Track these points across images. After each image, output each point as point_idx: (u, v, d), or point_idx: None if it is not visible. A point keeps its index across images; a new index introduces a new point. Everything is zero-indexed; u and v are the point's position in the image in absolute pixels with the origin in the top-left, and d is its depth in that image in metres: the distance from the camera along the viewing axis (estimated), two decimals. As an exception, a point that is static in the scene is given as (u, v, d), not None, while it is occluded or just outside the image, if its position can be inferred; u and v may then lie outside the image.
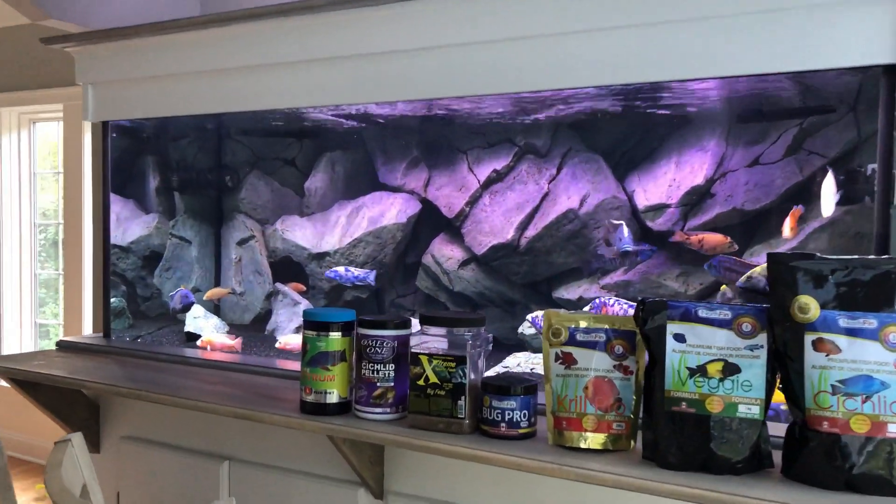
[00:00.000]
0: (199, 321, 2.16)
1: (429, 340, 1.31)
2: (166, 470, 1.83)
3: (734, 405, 1.11)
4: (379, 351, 1.35)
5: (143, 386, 1.62)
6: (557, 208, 2.01)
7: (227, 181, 2.37)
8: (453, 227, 2.17)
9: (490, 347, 1.35)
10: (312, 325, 1.39)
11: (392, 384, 1.35)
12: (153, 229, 2.40)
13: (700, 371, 1.13)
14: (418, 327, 1.35)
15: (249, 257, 2.36)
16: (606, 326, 1.23)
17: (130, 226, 2.41)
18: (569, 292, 2.06)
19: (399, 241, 2.19)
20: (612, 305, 1.83)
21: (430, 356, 1.29)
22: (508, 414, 1.25)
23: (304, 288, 2.25)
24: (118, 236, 2.35)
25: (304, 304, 2.17)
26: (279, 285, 2.28)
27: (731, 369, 1.12)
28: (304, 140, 2.44)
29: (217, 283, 2.43)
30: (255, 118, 2.31)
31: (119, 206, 2.35)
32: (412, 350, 1.32)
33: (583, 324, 1.24)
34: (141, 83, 2.01)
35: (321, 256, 2.27)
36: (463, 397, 1.27)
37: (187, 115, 2.09)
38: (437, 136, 2.22)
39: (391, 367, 1.35)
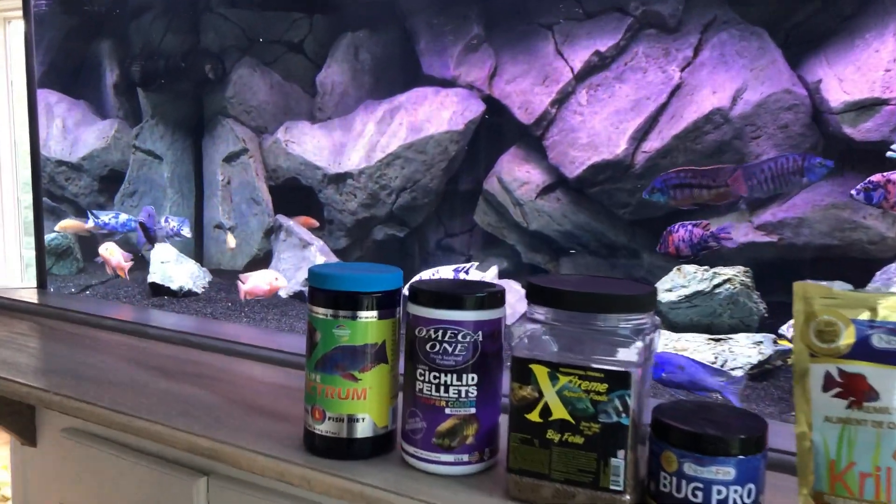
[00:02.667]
0: (169, 267, 1.54)
1: (545, 336, 0.67)
2: (123, 476, 1.25)
3: None
4: (449, 349, 0.71)
5: (67, 384, 1.01)
6: (695, 109, 1.34)
7: (207, 73, 1.71)
8: (531, 138, 1.51)
9: (656, 348, 0.71)
10: (325, 296, 0.76)
11: (473, 410, 0.72)
12: (111, 140, 1.77)
13: None
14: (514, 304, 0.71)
15: (241, 179, 1.73)
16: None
17: (82, 135, 1.78)
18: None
19: (452, 157, 1.54)
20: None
21: (557, 369, 0.66)
22: (719, 491, 0.62)
23: (317, 223, 1.62)
24: (65, 150, 1.73)
25: (318, 245, 1.54)
26: (282, 219, 1.64)
27: None
28: (315, 15, 1.75)
29: (199, 214, 1.81)
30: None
31: (66, 109, 1.71)
32: (516, 354, 0.68)
33: (889, 313, 0.60)
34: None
35: (341, 179, 1.63)
36: (621, 452, 0.64)
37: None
38: (509, 3, 1.53)
39: (472, 378, 0.72)
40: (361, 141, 1.59)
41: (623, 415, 0.64)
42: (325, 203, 1.68)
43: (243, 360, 1.13)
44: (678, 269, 1.24)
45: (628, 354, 0.64)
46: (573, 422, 0.65)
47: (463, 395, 0.72)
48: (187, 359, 1.13)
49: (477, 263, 1.38)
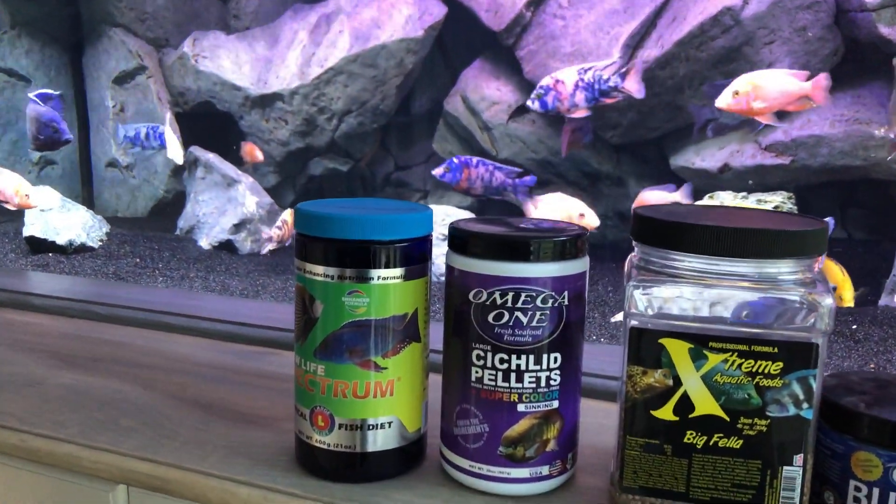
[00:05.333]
0: (53, 217, 1.21)
1: (682, 297, 0.46)
2: (12, 489, 0.96)
3: None
4: (524, 319, 0.49)
5: None
6: (701, 9, 1.14)
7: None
8: (502, 49, 1.27)
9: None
10: (326, 248, 0.51)
11: (556, 404, 0.50)
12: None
13: None
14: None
15: (139, 105, 1.40)
16: None
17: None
18: (702, 157, 1.23)
19: (408, 71, 1.27)
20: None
21: (706, 344, 0.45)
22: (943, 505, 0.44)
23: (260, 156, 1.32)
24: None
25: (247, 183, 1.25)
26: (198, 152, 1.34)
27: None
28: None
29: (85, 150, 1.46)
30: None
31: None
32: (638, 324, 0.46)
33: None
34: None
35: (267, 101, 1.33)
36: (799, 457, 0.45)
37: None
38: None
39: (554, 360, 0.50)
40: (292, 54, 1.30)
41: (805, 405, 0.44)
42: (247, 132, 1.38)
43: (171, 336, 0.86)
44: (710, 197, 1.06)
45: (814, 319, 0.44)
46: (727, 418, 0.45)
47: (543, 383, 0.50)
48: (95, 337, 0.85)
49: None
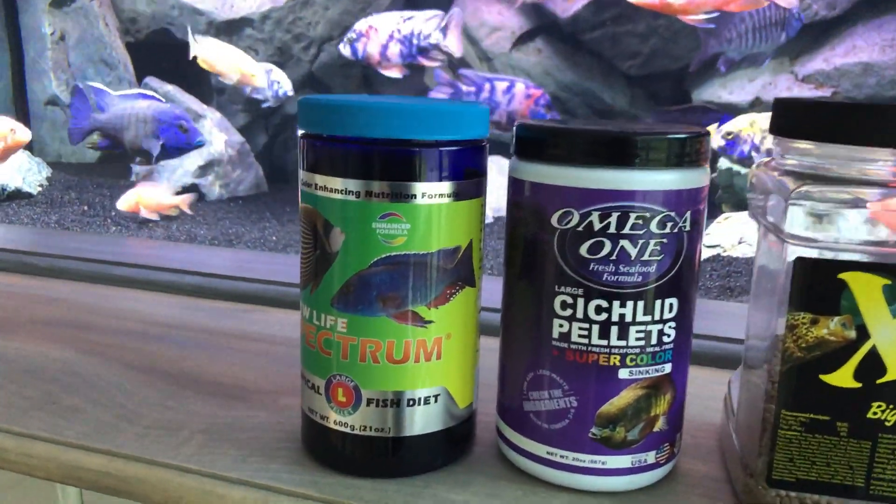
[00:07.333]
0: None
1: (859, 212, 0.32)
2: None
3: None
4: (633, 251, 0.35)
5: None
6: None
7: None
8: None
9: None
10: (346, 154, 0.36)
11: (668, 369, 0.37)
12: None
13: None
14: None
15: (82, 32, 1.21)
16: None
17: None
18: (730, 90, 1.10)
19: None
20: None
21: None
22: None
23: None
24: None
25: (215, 119, 1.08)
26: (156, 83, 1.16)
27: None
28: None
29: (19, 85, 1.26)
30: None
31: None
32: (804, 253, 0.32)
33: None
34: None
35: (234, 28, 1.16)
36: None
37: None
38: None
39: (669, 307, 0.36)
40: (262, -29, 1.12)
41: None
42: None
43: (126, 291, 0.71)
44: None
45: None
46: (936, 384, 0.32)
47: (654, 340, 0.36)
48: (31, 294, 0.69)
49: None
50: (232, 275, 0.70)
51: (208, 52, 0.98)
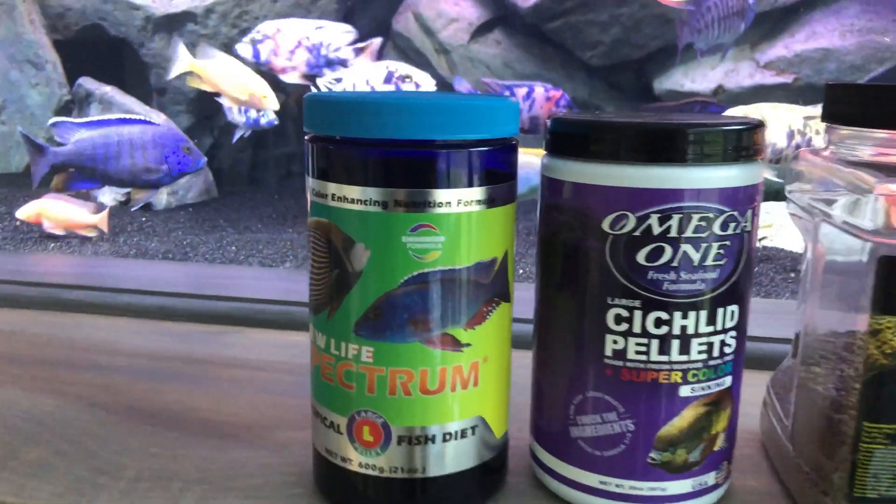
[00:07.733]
0: None
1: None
2: None
3: None
4: (696, 255, 0.31)
5: None
6: None
7: None
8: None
9: None
10: (365, 157, 0.31)
11: (729, 382, 0.33)
12: None
13: None
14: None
15: (6, 31, 1.11)
16: None
17: None
18: (692, 78, 1.09)
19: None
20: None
21: None
22: None
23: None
24: None
25: (162, 122, 1.00)
26: (90, 84, 1.07)
27: None
28: None
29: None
30: None
31: None
32: (890, 251, 0.30)
33: None
34: None
35: (175, 23, 1.08)
36: None
37: None
38: None
39: (731, 315, 0.33)
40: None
41: None
42: (150, 63, 1.12)
43: (80, 317, 0.64)
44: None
45: None
46: None
47: (716, 352, 0.33)
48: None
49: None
50: (198, 293, 0.64)
51: (208, 68, 0.90)
